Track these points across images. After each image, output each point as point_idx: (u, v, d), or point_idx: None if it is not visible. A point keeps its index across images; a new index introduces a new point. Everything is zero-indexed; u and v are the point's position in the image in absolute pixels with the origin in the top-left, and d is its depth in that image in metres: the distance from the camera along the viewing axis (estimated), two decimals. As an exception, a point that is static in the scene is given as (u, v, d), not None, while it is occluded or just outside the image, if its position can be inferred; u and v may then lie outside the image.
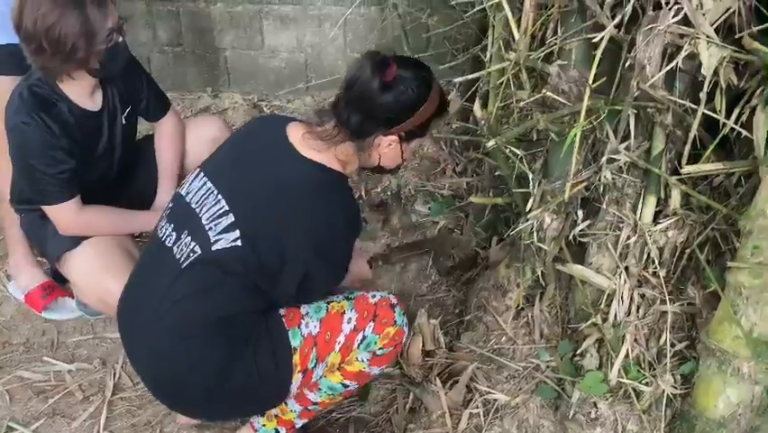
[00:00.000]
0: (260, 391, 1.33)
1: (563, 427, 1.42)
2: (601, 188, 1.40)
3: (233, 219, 1.24)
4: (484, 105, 1.58)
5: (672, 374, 1.37)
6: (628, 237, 1.38)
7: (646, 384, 1.37)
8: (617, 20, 1.27)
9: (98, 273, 1.60)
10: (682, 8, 1.17)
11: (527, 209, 1.51)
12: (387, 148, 1.31)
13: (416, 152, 2.30)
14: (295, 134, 1.30)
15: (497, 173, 1.72)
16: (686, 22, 1.18)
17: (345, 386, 1.39)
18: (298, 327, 1.32)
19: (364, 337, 1.34)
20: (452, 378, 1.58)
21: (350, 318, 1.34)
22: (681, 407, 1.36)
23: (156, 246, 1.33)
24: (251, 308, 1.29)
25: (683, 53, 1.19)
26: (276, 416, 1.46)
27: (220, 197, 1.28)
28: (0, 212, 1.90)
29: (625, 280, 1.40)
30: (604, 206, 1.41)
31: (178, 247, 1.28)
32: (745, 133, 1.20)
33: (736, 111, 1.21)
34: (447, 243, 1.99)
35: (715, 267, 1.33)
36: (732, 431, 1.28)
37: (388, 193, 2.22)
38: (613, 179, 1.37)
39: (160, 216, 1.38)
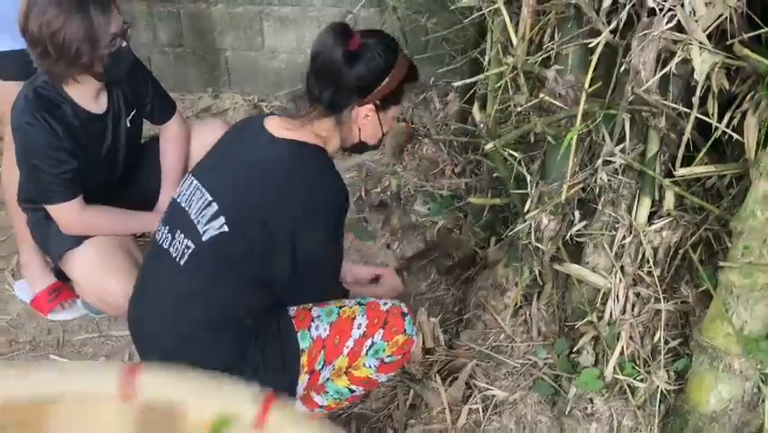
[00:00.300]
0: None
1: (560, 422, 1.46)
2: (597, 190, 1.43)
3: (217, 207, 1.25)
4: (482, 108, 1.61)
5: (666, 371, 1.40)
6: (624, 237, 1.41)
7: (641, 381, 1.40)
8: (612, 26, 1.30)
9: (99, 273, 1.62)
10: (676, 15, 1.20)
11: (525, 210, 1.54)
12: (365, 120, 1.30)
13: (416, 154, 2.33)
14: (271, 123, 1.31)
15: (495, 174, 1.75)
16: (679, 28, 1.20)
17: (352, 391, 1.40)
18: (308, 330, 1.34)
19: (373, 344, 1.34)
20: (451, 375, 1.61)
21: (360, 324, 1.35)
22: (675, 402, 1.39)
23: (155, 250, 1.34)
24: (258, 307, 1.31)
25: (677, 59, 1.22)
26: None
27: (204, 190, 1.29)
28: (9, 210, 1.92)
29: (620, 280, 1.43)
30: (600, 207, 1.43)
31: (173, 247, 1.29)
32: (736, 136, 1.22)
33: (728, 115, 1.24)
34: (452, 244, 2.02)
35: (707, 266, 1.36)
36: (724, 426, 1.31)
37: (388, 193, 2.25)
38: (609, 180, 1.40)
39: (158, 222, 1.41)
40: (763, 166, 1.16)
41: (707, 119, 1.23)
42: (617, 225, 1.42)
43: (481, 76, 1.58)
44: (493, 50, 1.54)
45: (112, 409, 0.51)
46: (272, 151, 1.28)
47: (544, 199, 1.51)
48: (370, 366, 1.37)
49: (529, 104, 1.41)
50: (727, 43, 1.21)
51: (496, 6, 1.45)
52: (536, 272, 1.61)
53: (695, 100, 1.22)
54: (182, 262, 1.27)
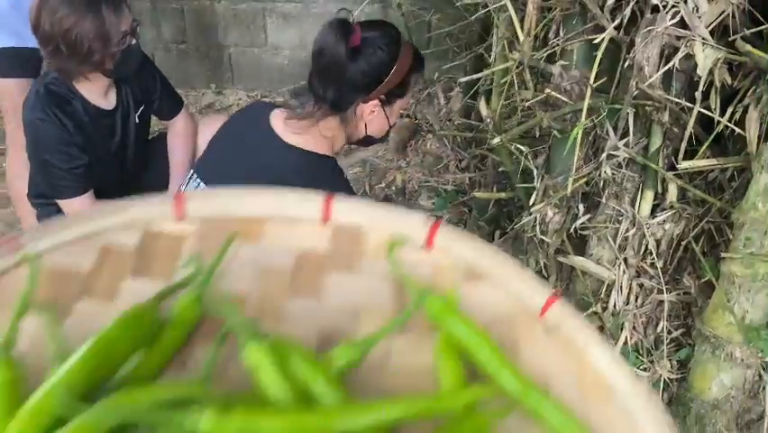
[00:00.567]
0: None
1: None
2: (601, 183, 1.45)
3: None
4: (488, 103, 1.63)
5: (669, 360, 1.42)
6: (627, 230, 1.44)
7: (644, 370, 1.43)
8: (616, 22, 1.32)
9: None
10: (679, 11, 1.22)
11: (531, 203, 1.56)
12: (370, 115, 1.26)
13: (420, 149, 2.35)
14: (277, 122, 1.28)
15: (499, 169, 1.77)
16: (683, 24, 1.23)
17: None
18: None
19: None
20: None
21: None
22: (678, 391, 1.42)
23: None
24: None
25: (680, 54, 1.24)
26: None
27: (198, 180, 1.29)
28: (16, 206, 1.94)
29: (624, 271, 1.45)
30: (604, 200, 1.46)
31: None
32: (738, 130, 1.25)
33: (730, 109, 1.26)
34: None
35: (709, 258, 1.39)
36: (725, 413, 1.34)
37: (393, 188, 2.27)
38: (612, 174, 1.42)
39: None
40: (765, 159, 1.18)
41: (709, 113, 1.26)
42: (620, 218, 1.44)
43: (488, 71, 1.61)
44: (498, 45, 1.57)
45: (313, 229, 0.66)
46: (283, 158, 1.25)
47: (549, 193, 1.53)
48: None
49: (536, 99, 1.43)
50: (730, 39, 1.23)
51: (502, 3, 1.47)
52: (541, 265, 1.63)
53: (698, 95, 1.24)
54: None
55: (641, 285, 1.46)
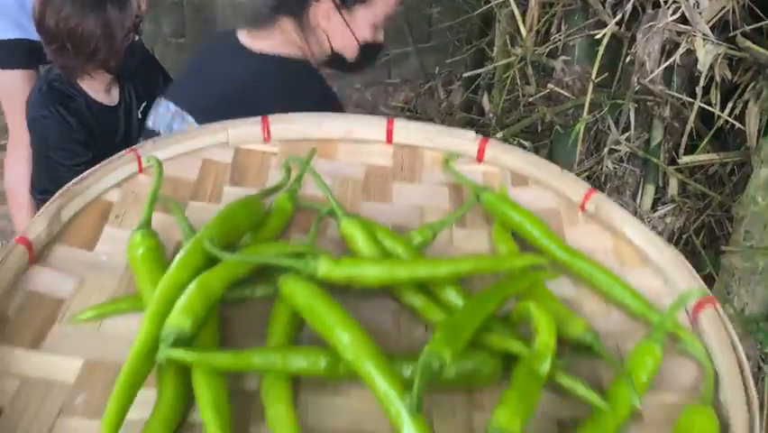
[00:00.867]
0: None
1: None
2: (603, 177, 1.47)
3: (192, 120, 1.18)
4: (489, 98, 1.64)
5: (670, 352, 1.45)
6: (628, 223, 1.45)
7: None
8: (618, 17, 1.33)
9: None
10: (680, 7, 1.24)
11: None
12: (326, 21, 1.18)
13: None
14: (243, 36, 1.21)
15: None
16: (683, 20, 1.24)
17: None
18: None
19: None
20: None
21: None
22: (678, 381, 1.44)
23: None
24: None
25: (681, 50, 1.26)
26: None
27: (168, 102, 1.25)
28: (10, 204, 1.94)
29: (625, 264, 1.47)
30: (606, 193, 1.47)
31: None
32: (738, 125, 1.26)
33: (730, 104, 1.28)
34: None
35: (710, 251, 1.40)
36: (725, 403, 1.36)
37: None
38: (614, 168, 1.44)
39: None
40: (764, 153, 1.20)
41: (709, 108, 1.27)
42: (621, 212, 1.46)
43: (490, 66, 1.62)
44: (500, 40, 1.58)
45: (378, 147, 0.78)
46: (252, 65, 1.17)
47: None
48: None
49: (539, 95, 1.44)
50: (730, 35, 1.25)
51: (504, -2, 1.48)
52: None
53: (698, 90, 1.26)
54: None
55: (642, 278, 1.47)
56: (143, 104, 1.77)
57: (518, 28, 1.49)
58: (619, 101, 1.38)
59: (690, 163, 1.36)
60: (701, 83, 1.25)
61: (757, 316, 1.29)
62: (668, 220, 1.42)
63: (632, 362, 0.54)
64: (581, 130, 1.36)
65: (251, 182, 0.72)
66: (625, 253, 0.67)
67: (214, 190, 0.70)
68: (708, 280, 1.40)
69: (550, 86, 1.44)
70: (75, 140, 1.60)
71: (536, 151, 1.62)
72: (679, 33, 1.25)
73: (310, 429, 0.49)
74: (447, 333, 0.49)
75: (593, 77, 1.34)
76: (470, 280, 0.60)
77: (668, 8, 1.25)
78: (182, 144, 0.73)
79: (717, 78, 1.25)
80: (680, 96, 1.32)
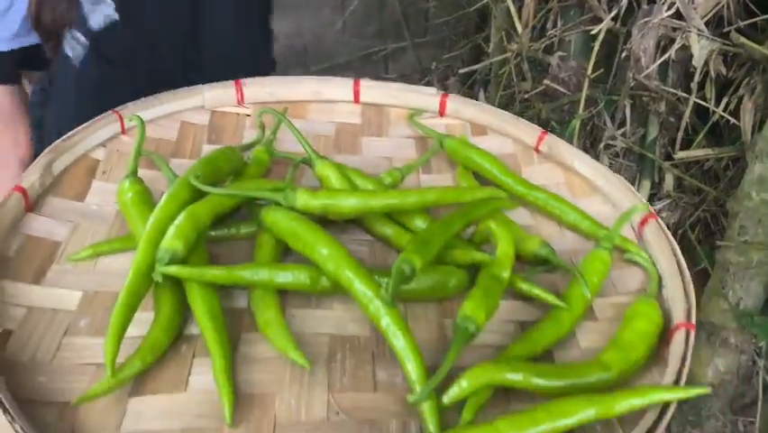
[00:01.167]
0: None
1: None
2: (599, 173, 1.47)
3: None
4: (486, 93, 1.64)
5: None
6: (624, 218, 1.46)
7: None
8: (613, 13, 1.33)
9: None
10: (675, 3, 1.23)
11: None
12: None
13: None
14: None
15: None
16: (679, 15, 1.24)
17: None
18: None
19: None
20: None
21: None
22: (674, 375, 1.45)
23: None
24: None
25: (676, 46, 1.26)
26: None
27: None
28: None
29: (621, 259, 1.48)
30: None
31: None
32: (733, 120, 1.27)
33: (725, 100, 1.28)
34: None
35: (705, 246, 1.41)
36: (720, 397, 1.38)
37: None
38: (610, 163, 1.44)
39: None
40: (759, 149, 1.20)
41: (705, 104, 1.28)
42: (617, 207, 1.46)
43: (486, 62, 1.62)
44: (496, 36, 1.58)
45: (347, 107, 0.84)
46: None
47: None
48: None
49: (535, 91, 1.44)
50: (725, 30, 1.25)
51: (500, -6, 1.48)
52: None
53: (693, 86, 1.26)
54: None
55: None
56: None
57: (514, 24, 1.49)
58: (615, 97, 1.39)
59: (685, 158, 1.37)
60: (696, 78, 1.25)
61: (751, 310, 1.30)
62: (663, 215, 1.42)
63: (584, 267, 0.61)
64: (577, 126, 1.36)
65: (228, 141, 0.77)
66: (576, 184, 0.74)
67: (193, 148, 0.76)
68: (704, 275, 1.41)
69: (546, 81, 1.44)
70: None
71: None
72: (674, 29, 1.26)
73: (298, 336, 0.54)
74: (417, 245, 0.54)
75: (589, 72, 1.34)
76: (436, 214, 0.67)
77: (663, 4, 1.25)
78: (160, 107, 0.78)
79: (712, 74, 1.25)
80: (675, 91, 1.32)
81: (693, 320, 0.55)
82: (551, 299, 0.57)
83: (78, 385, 0.49)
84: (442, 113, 0.83)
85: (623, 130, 1.43)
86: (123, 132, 0.75)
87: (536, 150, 0.78)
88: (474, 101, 0.84)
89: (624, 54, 1.34)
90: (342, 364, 0.53)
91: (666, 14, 1.24)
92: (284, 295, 0.58)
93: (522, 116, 0.84)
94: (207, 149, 0.75)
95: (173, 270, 0.53)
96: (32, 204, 0.64)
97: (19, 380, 0.49)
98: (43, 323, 0.54)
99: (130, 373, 0.49)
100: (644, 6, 1.29)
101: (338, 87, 0.83)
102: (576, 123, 1.35)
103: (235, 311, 0.57)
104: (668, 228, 0.65)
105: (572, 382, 0.48)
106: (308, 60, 2.73)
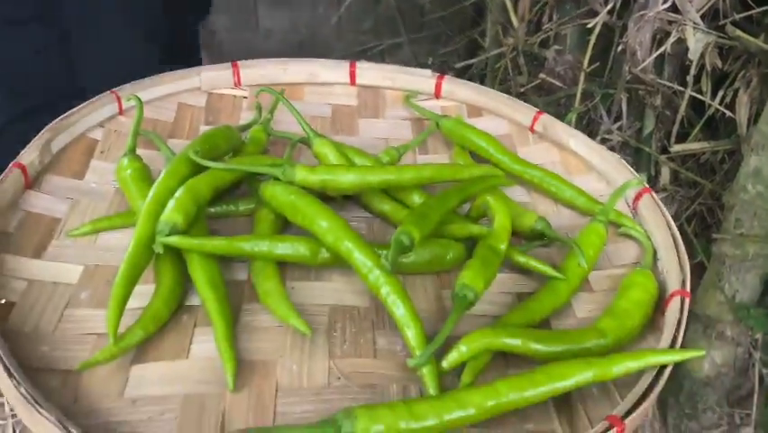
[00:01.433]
0: None
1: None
2: (595, 166, 1.48)
3: None
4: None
5: (661, 339, 1.46)
6: (620, 212, 1.46)
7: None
8: (609, 6, 1.34)
9: None
10: (671, -4, 1.24)
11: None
12: None
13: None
14: None
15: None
16: (674, 9, 1.25)
17: None
18: None
19: None
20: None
21: None
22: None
23: None
24: None
25: (671, 39, 1.26)
26: None
27: None
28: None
29: (617, 253, 1.48)
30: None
31: None
32: (728, 113, 1.28)
33: (721, 93, 1.29)
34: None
35: (701, 239, 1.42)
36: (716, 389, 1.38)
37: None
38: (606, 157, 1.45)
39: None
40: (754, 141, 1.20)
41: (700, 97, 1.28)
42: (614, 200, 1.46)
43: (482, 57, 1.62)
44: (492, 30, 1.58)
45: (343, 89, 0.85)
46: None
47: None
48: None
49: (531, 84, 1.45)
50: (720, 23, 1.26)
51: (496, -13, 1.48)
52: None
53: (689, 79, 1.27)
54: None
55: (634, 266, 1.48)
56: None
57: (510, 18, 1.49)
58: (611, 90, 1.39)
59: (681, 152, 1.37)
60: (692, 72, 1.26)
61: (747, 302, 1.30)
62: (659, 208, 1.43)
63: (579, 240, 0.63)
64: (573, 119, 1.37)
65: (225, 122, 0.78)
66: (571, 163, 0.75)
67: (190, 129, 0.77)
68: (700, 268, 1.41)
69: (542, 75, 1.44)
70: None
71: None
72: (669, 22, 1.26)
73: (298, 307, 0.54)
74: (415, 217, 0.55)
75: (585, 66, 1.34)
76: (432, 193, 0.67)
77: (659, -3, 1.25)
78: (157, 89, 0.79)
79: (708, 67, 1.26)
80: (671, 84, 1.33)
81: (688, 288, 0.56)
82: (548, 270, 0.57)
83: (81, 354, 0.50)
84: (437, 95, 0.83)
85: (619, 123, 1.43)
86: (121, 112, 0.76)
87: (532, 130, 0.79)
88: (469, 82, 0.85)
89: (620, 48, 1.35)
90: (342, 333, 0.54)
91: (662, 7, 1.25)
92: (283, 268, 0.58)
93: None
94: (204, 130, 0.75)
95: (174, 240, 0.53)
96: (32, 181, 0.65)
97: (22, 349, 0.49)
98: (45, 295, 0.55)
99: (132, 342, 0.49)
100: (640, 0, 1.30)
101: (334, 70, 0.85)
102: (572, 116, 1.35)
103: (236, 283, 0.58)
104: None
105: (569, 347, 0.48)
106: (304, 56, 2.71)
